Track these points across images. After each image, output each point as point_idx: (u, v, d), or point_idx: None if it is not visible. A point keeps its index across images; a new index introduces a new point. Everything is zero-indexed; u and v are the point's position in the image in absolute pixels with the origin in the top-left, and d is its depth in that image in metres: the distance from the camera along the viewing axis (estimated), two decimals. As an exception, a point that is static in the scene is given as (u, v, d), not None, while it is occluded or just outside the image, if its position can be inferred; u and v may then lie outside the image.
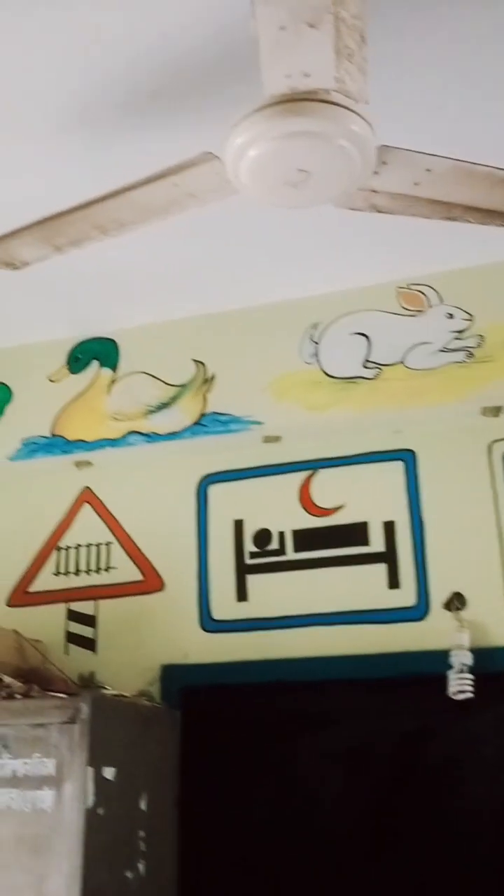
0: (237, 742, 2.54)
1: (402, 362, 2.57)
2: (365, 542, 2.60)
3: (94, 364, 2.91)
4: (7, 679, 2.30)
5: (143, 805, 2.29)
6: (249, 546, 2.72)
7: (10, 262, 1.91)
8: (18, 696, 2.22)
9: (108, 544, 2.87)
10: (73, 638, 2.79)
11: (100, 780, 2.10)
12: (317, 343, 2.67)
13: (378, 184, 1.54)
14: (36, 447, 2.87)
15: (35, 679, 2.36)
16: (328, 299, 2.69)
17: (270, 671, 2.54)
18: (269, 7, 1.21)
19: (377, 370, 2.58)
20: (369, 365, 2.59)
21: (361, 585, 2.56)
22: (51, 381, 2.93)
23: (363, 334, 2.62)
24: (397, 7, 1.62)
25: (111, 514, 2.90)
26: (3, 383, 2.98)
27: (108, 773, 2.14)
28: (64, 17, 1.70)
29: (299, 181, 1.45)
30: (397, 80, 1.81)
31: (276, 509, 2.72)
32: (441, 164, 1.53)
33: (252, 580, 2.68)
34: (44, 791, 2.08)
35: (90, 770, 2.07)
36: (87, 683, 2.58)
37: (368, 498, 2.63)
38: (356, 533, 2.61)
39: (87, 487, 2.95)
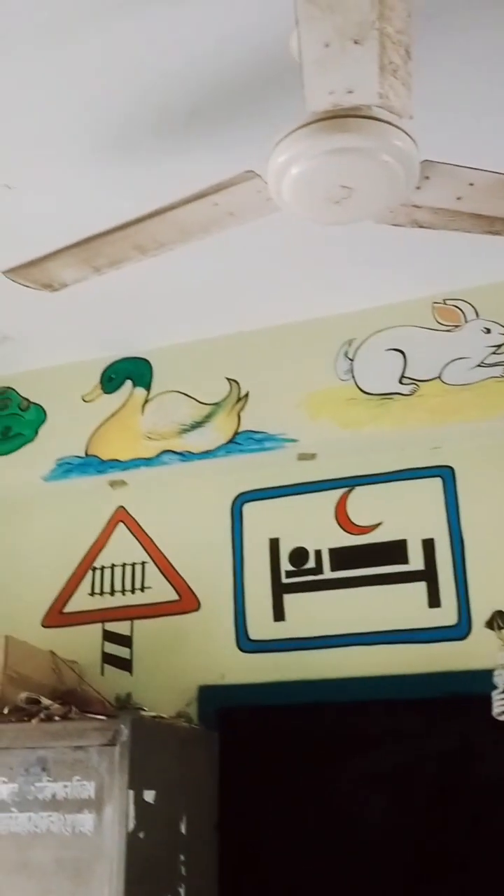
0: (276, 764, 2.51)
1: (438, 378, 2.54)
2: (404, 560, 2.57)
3: (128, 384, 2.92)
4: (45, 701, 2.29)
5: (182, 828, 2.26)
6: (286, 565, 2.70)
7: (48, 284, 1.92)
8: (57, 718, 2.20)
9: (143, 564, 2.86)
10: (108, 658, 2.78)
11: (140, 803, 2.08)
12: (352, 359, 2.66)
13: (420, 199, 1.53)
14: (70, 467, 2.88)
15: (72, 700, 2.35)
16: (362, 315, 2.68)
17: (309, 692, 2.51)
18: (314, 24, 1.20)
19: (414, 386, 2.56)
20: (406, 381, 2.57)
21: (401, 604, 2.53)
22: (85, 401, 2.94)
23: (399, 350, 2.60)
24: (438, 19, 1.61)
25: (146, 533, 2.89)
26: (37, 404, 3.00)
27: (149, 796, 2.12)
28: (100, 39, 1.71)
29: (342, 198, 1.44)
30: (439, 92, 1.80)
31: (313, 527, 2.70)
32: (484, 178, 1.51)
33: (289, 599, 2.66)
34: (84, 814, 2.06)
35: (131, 793, 2.05)
36: (125, 705, 2.56)
37: (407, 515, 2.60)
38: (395, 551, 2.58)
39: (122, 507, 2.95)
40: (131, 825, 2.04)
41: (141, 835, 2.06)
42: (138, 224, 1.68)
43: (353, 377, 2.64)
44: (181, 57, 1.76)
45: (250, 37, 1.69)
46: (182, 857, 2.24)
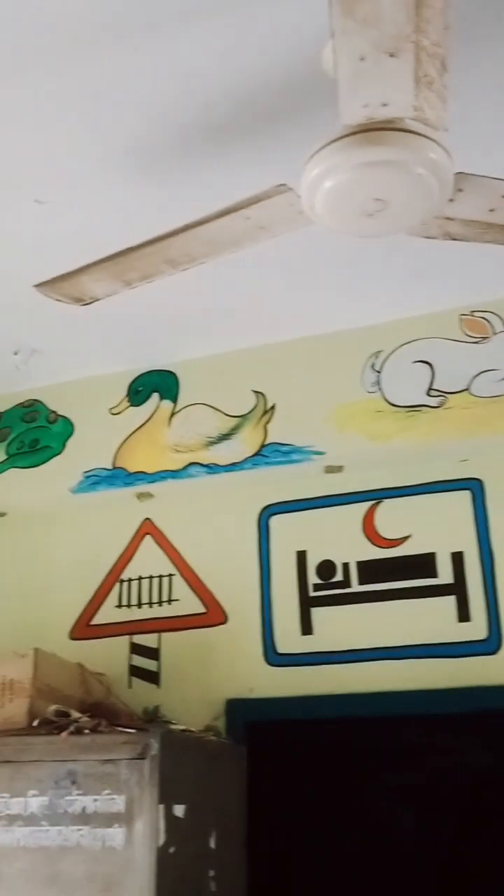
0: (304, 778, 2.49)
1: (467, 390, 2.53)
2: (433, 573, 2.55)
3: (155, 396, 2.93)
4: (75, 713, 2.29)
5: (212, 843, 2.25)
6: (313, 578, 2.69)
7: (80, 298, 1.93)
8: (87, 731, 2.20)
9: (170, 576, 2.86)
10: (136, 671, 2.78)
11: (170, 818, 2.07)
12: (379, 372, 2.65)
13: (453, 211, 1.53)
14: (98, 479, 2.89)
15: (100, 713, 2.35)
16: (389, 327, 2.68)
17: (338, 706, 2.49)
18: (350, 37, 1.21)
19: (442, 398, 2.54)
20: (433, 393, 2.56)
21: (430, 618, 2.51)
22: (112, 413, 2.95)
23: (426, 362, 2.60)
24: (474, 31, 1.61)
25: (172, 545, 2.90)
26: (64, 417, 3.01)
27: (179, 810, 2.11)
28: (130, 56, 1.73)
29: (376, 210, 1.44)
30: (473, 104, 1.80)
31: (340, 540, 2.69)
32: (517, 190, 1.51)
33: (317, 613, 2.64)
34: (114, 828, 2.05)
35: (161, 807, 2.04)
36: (152, 718, 2.56)
37: (435, 528, 2.59)
38: (423, 564, 2.56)
39: (148, 519, 2.95)
40: (162, 840, 2.03)
41: (171, 850, 2.05)
42: (170, 238, 1.69)
43: (381, 389, 2.63)
44: (210, 72, 1.77)
45: (280, 51, 1.70)
46: (212, 873, 2.22)
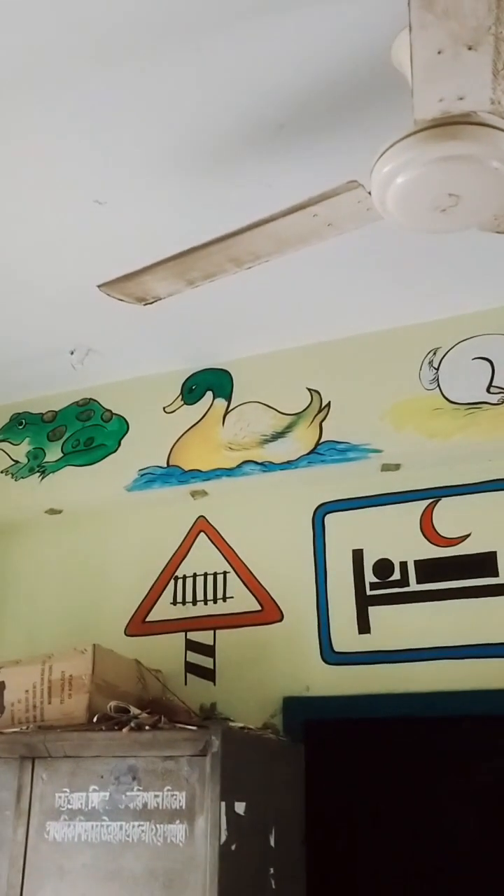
0: (363, 778, 2.48)
1: (528, 387, 2.50)
2: (494, 572, 2.51)
3: (209, 395, 2.94)
4: (134, 710, 2.30)
5: (272, 841, 2.25)
6: (370, 577, 2.67)
7: (142, 298, 1.94)
8: (147, 728, 2.21)
9: (224, 574, 2.87)
10: (191, 668, 2.79)
11: (231, 815, 2.07)
12: (437, 369, 2.62)
13: (526, 205, 1.50)
14: (152, 478, 2.90)
15: (159, 709, 2.36)
16: (447, 324, 2.65)
17: (396, 706, 2.47)
18: (428, 30, 1.19)
19: (503, 395, 2.51)
20: (494, 390, 2.52)
21: (491, 618, 2.47)
22: (166, 412, 2.96)
23: (486, 359, 2.56)
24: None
25: (227, 543, 2.90)
26: (119, 415, 3.03)
27: (240, 807, 2.11)
28: (194, 55, 1.73)
29: (449, 206, 1.42)
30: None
31: (397, 539, 2.67)
32: None
33: (374, 612, 2.62)
34: (175, 825, 2.06)
35: (223, 804, 2.04)
36: (209, 715, 2.56)
37: (496, 527, 2.55)
38: (483, 563, 2.53)
39: (203, 517, 2.96)
40: (223, 837, 2.03)
41: (233, 847, 2.05)
42: (235, 237, 1.69)
43: (439, 386, 2.60)
44: (275, 70, 1.77)
45: (347, 46, 1.69)
46: (272, 871, 2.22)
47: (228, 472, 2.81)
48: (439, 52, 1.23)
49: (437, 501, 2.65)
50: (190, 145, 1.98)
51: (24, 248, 2.35)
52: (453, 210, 1.43)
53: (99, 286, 1.92)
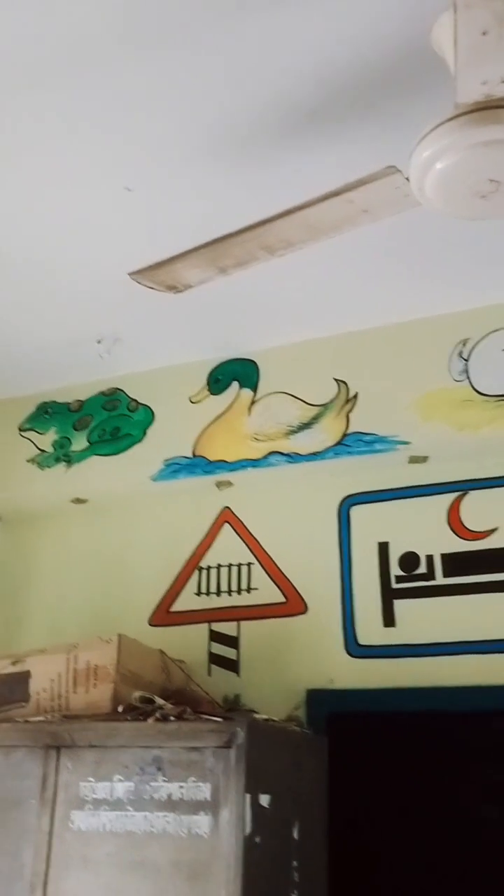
0: (387, 772, 2.46)
1: None
2: (522, 567, 2.49)
3: (234, 385, 2.92)
4: (159, 700, 2.30)
5: (295, 834, 2.24)
6: (395, 570, 2.65)
7: (173, 286, 1.92)
8: (172, 718, 2.21)
9: (248, 565, 2.85)
10: (215, 659, 2.78)
11: (256, 807, 2.06)
12: (466, 360, 2.59)
13: None
14: (178, 468, 2.89)
15: (183, 700, 2.35)
16: (477, 314, 2.61)
17: (422, 700, 2.45)
18: (473, 11, 1.16)
19: (534, 387, 2.47)
20: (525, 382, 2.49)
21: (518, 612, 2.45)
22: (192, 402, 2.95)
23: (517, 350, 2.53)
24: None
25: (251, 534, 2.89)
26: (145, 405, 3.02)
27: (264, 800, 2.10)
28: (227, 41, 1.70)
29: (489, 192, 1.39)
30: None
31: (424, 532, 2.64)
32: None
33: (399, 605, 2.60)
34: (200, 816, 2.06)
35: (248, 797, 2.03)
36: (233, 706, 2.56)
37: (525, 521, 2.52)
38: (512, 557, 2.50)
39: (227, 507, 2.95)
40: (248, 829, 2.02)
41: (257, 839, 2.04)
42: (269, 224, 1.66)
43: (469, 378, 2.57)
44: (308, 54, 1.74)
45: (383, 29, 1.65)
46: (295, 864, 2.21)
47: (254, 462, 2.79)
48: (484, 34, 1.20)
49: (464, 494, 2.62)
50: (221, 131, 1.96)
51: (52, 237, 2.34)
52: (493, 196, 1.40)
53: (130, 274, 1.90)
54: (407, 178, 1.46)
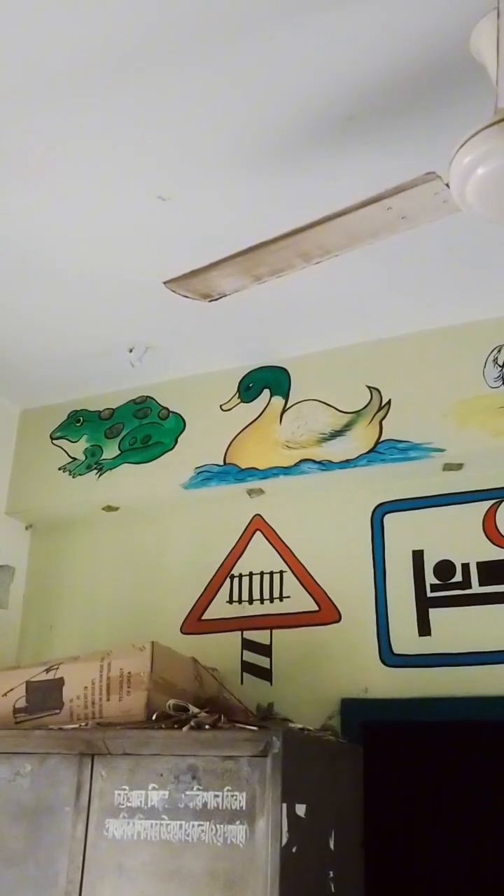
0: (423, 782, 2.44)
1: None
2: None
3: (266, 392, 2.92)
4: (193, 708, 2.29)
5: (331, 844, 2.22)
6: (430, 578, 2.62)
7: (207, 294, 1.92)
8: (207, 727, 2.20)
9: (280, 573, 2.84)
10: (248, 667, 2.77)
11: (292, 817, 2.05)
12: (501, 367, 2.57)
13: None
14: (209, 475, 2.89)
15: (217, 709, 2.34)
16: (513, 320, 2.59)
17: (458, 709, 2.43)
18: (517, 16, 1.15)
19: None
20: None
21: None
22: (223, 410, 2.95)
23: (554, 356, 2.50)
24: None
25: (283, 542, 2.88)
26: (176, 413, 3.03)
27: (300, 810, 2.09)
28: (261, 47, 1.70)
29: (531, 198, 1.38)
30: None
31: (459, 540, 2.62)
32: None
33: (435, 614, 2.58)
34: (236, 825, 2.04)
35: (284, 806, 2.02)
36: (267, 715, 2.55)
37: None
38: (550, 566, 2.47)
39: (259, 515, 2.94)
40: (284, 839, 2.00)
41: (294, 849, 2.03)
42: (306, 231, 1.66)
43: (504, 385, 2.55)
44: (345, 61, 1.74)
45: (422, 36, 1.65)
46: (331, 874, 2.19)
47: (286, 470, 2.79)
48: (528, 37, 1.19)
49: (500, 502, 2.60)
50: (256, 139, 1.96)
51: (86, 246, 2.36)
52: (535, 202, 1.39)
53: (165, 283, 1.91)
54: (447, 184, 1.45)
